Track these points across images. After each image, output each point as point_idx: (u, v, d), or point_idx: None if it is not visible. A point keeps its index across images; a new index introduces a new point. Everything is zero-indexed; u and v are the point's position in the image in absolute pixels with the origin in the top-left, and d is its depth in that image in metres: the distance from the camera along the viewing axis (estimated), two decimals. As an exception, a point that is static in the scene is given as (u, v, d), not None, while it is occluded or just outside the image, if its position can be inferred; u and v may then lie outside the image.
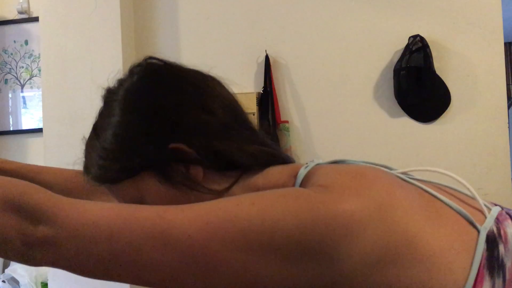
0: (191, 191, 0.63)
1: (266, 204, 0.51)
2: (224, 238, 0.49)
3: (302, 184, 0.61)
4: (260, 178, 0.65)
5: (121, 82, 0.68)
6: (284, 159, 0.68)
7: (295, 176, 0.62)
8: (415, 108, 1.91)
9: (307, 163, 0.64)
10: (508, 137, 1.87)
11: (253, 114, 1.95)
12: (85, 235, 0.50)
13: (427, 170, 0.65)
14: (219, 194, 0.64)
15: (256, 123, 1.94)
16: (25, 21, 2.46)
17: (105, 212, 0.51)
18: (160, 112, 0.64)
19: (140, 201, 0.65)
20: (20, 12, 2.45)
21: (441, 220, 0.55)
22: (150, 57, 0.69)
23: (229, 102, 0.68)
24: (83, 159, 0.69)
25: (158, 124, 0.63)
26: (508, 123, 1.89)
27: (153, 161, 0.63)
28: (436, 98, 1.90)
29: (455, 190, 0.63)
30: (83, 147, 0.70)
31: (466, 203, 0.60)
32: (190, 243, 0.49)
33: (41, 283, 2.02)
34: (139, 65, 0.69)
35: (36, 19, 2.36)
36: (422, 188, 0.59)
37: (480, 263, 0.53)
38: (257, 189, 0.64)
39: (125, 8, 1.98)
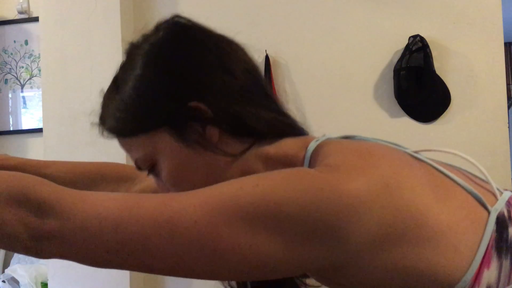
0: (204, 151, 0.63)
1: (270, 186, 0.51)
2: (229, 222, 0.49)
3: (312, 157, 0.61)
4: (273, 147, 0.65)
5: (146, 37, 0.69)
6: (299, 131, 0.68)
7: (306, 148, 0.63)
8: (415, 108, 1.91)
9: (318, 138, 0.64)
10: (508, 137, 1.87)
11: (253, 114, 1.95)
12: (91, 226, 0.50)
13: (441, 151, 0.65)
14: (232, 157, 0.64)
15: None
16: (25, 21, 2.46)
17: (111, 202, 0.52)
18: (182, 70, 0.64)
19: (152, 157, 0.65)
20: (20, 12, 2.45)
21: (450, 199, 0.55)
22: (177, 16, 0.70)
23: (251, 68, 0.68)
24: (100, 110, 0.70)
25: (179, 81, 0.63)
26: (508, 123, 1.89)
27: (171, 118, 0.63)
28: (436, 98, 1.90)
29: (468, 172, 0.64)
30: (101, 99, 0.70)
31: (478, 185, 0.60)
32: (197, 229, 0.50)
33: (41, 283, 2.02)
34: (165, 21, 0.69)
35: (36, 19, 2.36)
36: (433, 166, 0.59)
37: (488, 244, 0.53)
38: (268, 158, 0.64)
39: (125, 8, 1.98)
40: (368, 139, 0.67)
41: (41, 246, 0.50)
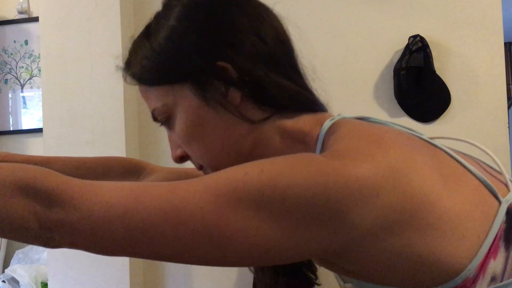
0: (224, 113, 0.64)
1: (275, 171, 0.51)
2: (236, 207, 0.50)
3: (326, 136, 0.62)
4: (290, 121, 0.66)
5: None
6: (319, 107, 0.69)
7: (321, 126, 0.64)
8: (415, 108, 1.91)
9: (333, 116, 0.65)
10: (508, 137, 1.86)
11: (253, 114, 1.95)
12: (99, 214, 0.50)
13: (456, 140, 0.66)
14: (250, 124, 0.65)
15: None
16: (25, 21, 2.46)
17: (118, 191, 0.52)
18: (216, 27, 0.64)
19: (170, 110, 0.66)
20: (20, 12, 2.45)
21: (461, 187, 0.55)
22: None
23: (284, 38, 0.70)
24: (127, 55, 0.70)
25: (211, 39, 0.64)
26: (508, 123, 1.89)
27: (196, 74, 0.63)
28: (436, 98, 1.90)
29: (482, 162, 0.64)
30: (130, 45, 0.71)
31: (491, 175, 0.60)
32: (203, 215, 0.50)
33: (41, 283, 2.02)
34: None
35: (36, 19, 2.36)
36: (447, 153, 0.59)
37: (497, 234, 0.53)
38: (285, 131, 0.65)
39: (125, 8, 1.98)
40: (382, 122, 0.67)
41: (52, 236, 0.51)
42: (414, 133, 0.62)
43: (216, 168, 0.68)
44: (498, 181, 0.59)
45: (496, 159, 0.61)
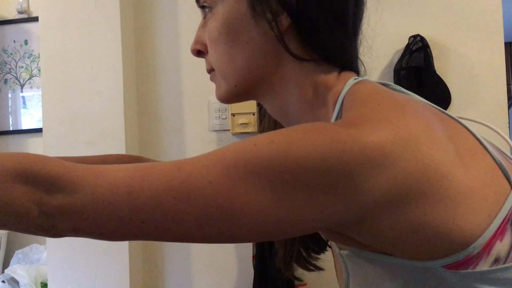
0: (265, 31, 0.62)
1: (286, 141, 0.49)
2: (246, 179, 0.48)
3: (346, 96, 0.60)
4: (322, 75, 0.63)
5: None
6: (349, 68, 0.67)
7: (344, 83, 0.62)
8: (415, 108, 1.91)
9: (357, 77, 0.63)
10: (508, 137, 1.86)
11: (253, 114, 1.95)
12: (103, 196, 0.49)
13: (478, 122, 0.65)
14: (287, 54, 0.62)
15: (256, 124, 1.94)
16: (24, 21, 2.46)
17: (121, 172, 0.50)
18: None
19: (215, 2, 0.64)
20: (20, 12, 2.44)
21: (477, 164, 0.54)
22: None
23: (361, 5, 0.69)
24: None
25: None
26: (509, 123, 1.89)
27: None
28: (436, 98, 1.90)
29: (500, 149, 0.63)
30: None
31: (507, 160, 0.59)
32: (212, 188, 0.48)
33: (41, 283, 2.02)
34: None
35: (35, 19, 2.36)
36: (467, 129, 0.58)
37: (505, 217, 0.52)
38: (316, 83, 0.63)
39: (125, 8, 1.98)
40: (403, 91, 0.66)
41: (53, 222, 0.49)
42: (435, 106, 0.61)
43: (226, 78, 0.67)
44: None
45: None
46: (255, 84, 0.66)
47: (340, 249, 0.62)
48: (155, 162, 0.55)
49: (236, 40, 0.64)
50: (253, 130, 1.92)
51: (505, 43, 1.92)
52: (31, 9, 2.47)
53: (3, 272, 2.13)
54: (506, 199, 0.53)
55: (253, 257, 1.84)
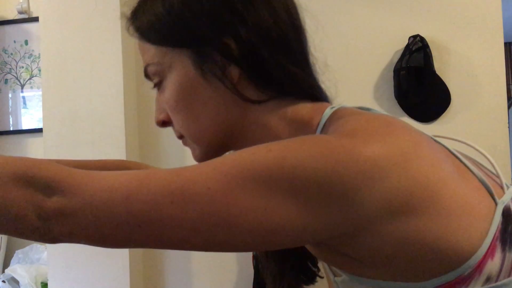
0: (218, 87, 0.62)
1: (283, 150, 0.50)
2: (244, 186, 0.48)
3: (326, 124, 0.60)
4: (291, 108, 0.64)
5: None
6: (323, 98, 0.67)
7: (322, 113, 0.62)
8: (415, 108, 1.91)
9: (334, 105, 0.63)
10: (508, 137, 1.87)
11: (253, 114, 1.95)
12: (101, 199, 0.49)
13: (454, 140, 0.65)
14: (246, 103, 0.63)
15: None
16: (25, 21, 2.46)
17: (120, 176, 0.50)
18: (231, 1, 0.63)
19: (164, 71, 0.64)
20: (20, 12, 2.45)
21: (465, 182, 0.55)
22: None
23: (297, 24, 0.68)
24: (136, 5, 0.68)
25: (223, 11, 0.62)
26: (508, 123, 1.89)
27: (200, 43, 0.62)
28: (436, 98, 1.90)
29: (479, 163, 0.63)
30: None
31: (488, 176, 0.60)
32: (210, 194, 0.48)
33: (41, 283, 2.02)
34: None
35: (36, 19, 2.36)
36: (449, 150, 0.59)
37: (495, 234, 0.52)
38: (284, 117, 0.63)
39: (126, 8, 1.98)
40: (384, 114, 0.66)
41: (50, 226, 0.49)
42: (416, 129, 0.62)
43: (197, 141, 0.68)
44: (494, 182, 0.59)
45: (493, 161, 0.61)
46: (227, 137, 0.67)
47: (334, 275, 0.62)
48: (155, 168, 0.55)
49: (195, 103, 0.64)
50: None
51: (505, 43, 1.92)
52: (32, 9, 2.47)
53: (3, 272, 2.13)
54: (493, 216, 0.53)
55: (253, 257, 1.84)
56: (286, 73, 0.63)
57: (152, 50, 0.65)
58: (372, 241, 0.51)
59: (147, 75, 0.68)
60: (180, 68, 0.63)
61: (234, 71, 0.62)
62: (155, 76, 0.66)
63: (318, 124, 0.61)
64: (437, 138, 0.61)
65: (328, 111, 0.61)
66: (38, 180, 0.49)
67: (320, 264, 0.79)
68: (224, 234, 0.50)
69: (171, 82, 0.64)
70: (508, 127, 1.88)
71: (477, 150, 0.63)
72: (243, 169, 0.49)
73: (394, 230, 0.50)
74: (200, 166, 0.51)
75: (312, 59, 0.69)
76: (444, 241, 0.50)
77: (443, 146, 0.59)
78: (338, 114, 0.60)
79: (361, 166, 0.48)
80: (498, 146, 1.84)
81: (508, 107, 2.23)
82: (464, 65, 1.89)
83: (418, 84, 1.87)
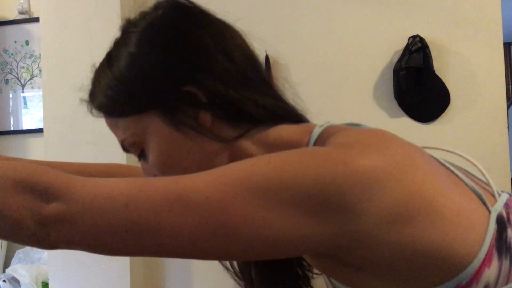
0: (196, 136, 0.62)
1: (283, 161, 0.50)
2: (242, 197, 0.49)
3: (316, 143, 0.60)
4: (272, 132, 0.63)
5: (144, 14, 0.67)
6: (299, 118, 0.67)
7: (310, 133, 0.62)
8: (414, 108, 1.92)
9: (322, 124, 0.63)
10: (507, 137, 1.87)
11: (253, 114, 1.95)
12: (100, 206, 0.49)
13: (444, 150, 0.65)
14: (225, 143, 0.63)
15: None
16: (25, 22, 2.46)
17: (119, 183, 0.50)
18: (179, 51, 0.62)
19: (141, 140, 0.63)
20: (21, 13, 2.45)
21: (459, 191, 0.55)
22: None
23: (250, 54, 0.67)
24: (90, 86, 0.68)
25: (175, 64, 0.62)
26: (508, 123, 1.89)
27: (163, 101, 0.62)
28: (436, 98, 1.90)
29: (469, 172, 0.64)
30: (92, 74, 0.68)
31: (479, 185, 0.60)
32: (209, 204, 0.49)
33: (42, 282, 2.02)
34: (166, 0, 0.67)
35: (36, 20, 2.36)
36: (440, 162, 0.59)
37: (490, 243, 0.53)
38: (269, 144, 0.63)
39: (126, 8, 1.99)
40: (375, 128, 0.66)
41: (48, 232, 0.49)
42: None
43: None
44: (485, 190, 0.59)
45: (482, 169, 0.61)
46: None
47: (333, 287, 0.62)
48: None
49: (180, 158, 0.64)
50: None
51: (504, 44, 1.92)
52: (32, 9, 2.47)
53: (4, 271, 2.14)
54: (488, 224, 0.54)
55: (253, 256, 1.84)
56: (255, 105, 0.63)
57: (121, 123, 0.64)
58: (371, 251, 0.52)
59: (126, 150, 0.67)
60: (154, 131, 0.63)
61: (205, 117, 0.62)
62: (134, 148, 0.65)
63: (308, 143, 0.61)
64: (427, 150, 0.62)
65: (317, 130, 0.61)
66: (37, 186, 0.49)
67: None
68: (222, 244, 0.50)
69: (151, 148, 0.64)
70: (508, 127, 1.88)
71: (466, 159, 0.63)
72: (242, 180, 0.49)
73: (392, 241, 0.51)
74: (199, 175, 0.51)
75: (272, 83, 0.69)
76: (442, 250, 0.51)
77: (433, 157, 0.60)
78: (329, 132, 0.60)
79: (359, 178, 0.48)
80: (498, 146, 1.84)
81: (508, 107, 2.23)
82: (463, 65, 1.89)
83: (418, 84, 1.88)
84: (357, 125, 0.65)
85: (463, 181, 0.58)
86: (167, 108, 0.62)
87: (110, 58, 0.67)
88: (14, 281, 2.03)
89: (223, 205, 0.49)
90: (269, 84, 0.68)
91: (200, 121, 0.62)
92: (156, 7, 0.66)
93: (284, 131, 0.64)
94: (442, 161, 0.60)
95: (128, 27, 0.68)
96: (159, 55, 0.63)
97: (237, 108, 0.62)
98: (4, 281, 2.03)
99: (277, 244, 0.50)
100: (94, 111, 0.67)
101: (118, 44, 0.67)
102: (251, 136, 0.64)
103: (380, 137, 0.55)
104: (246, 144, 0.64)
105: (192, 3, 0.67)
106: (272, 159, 0.51)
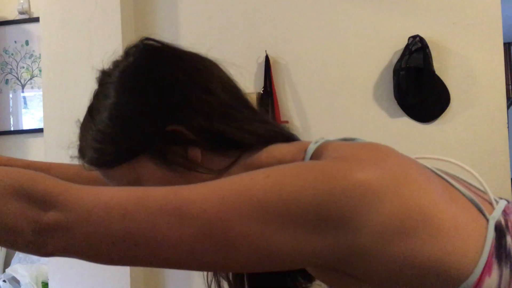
0: (189, 172, 0.62)
1: (281, 175, 0.50)
2: (240, 211, 0.49)
3: (312, 159, 0.60)
4: (264, 154, 0.64)
5: (116, 63, 0.67)
6: (288, 137, 0.67)
7: (305, 151, 0.61)
8: (414, 108, 1.92)
9: (316, 140, 0.63)
10: (507, 137, 1.87)
11: (253, 114, 1.95)
12: (98, 216, 0.48)
13: (439, 159, 0.65)
14: (219, 173, 0.63)
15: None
16: (25, 22, 2.46)
17: (117, 193, 0.50)
18: (157, 93, 0.62)
19: (138, 185, 0.63)
20: (21, 13, 2.45)
21: (454, 202, 0.55)
22: (147, 38, 0.68)
23: (228, 83, 0.67)
24: (78, 142, 0.68)
25: (154, 107, 0.62)
26: (508, 123, 1.89)
27: (150, 145, 0.62)
28: (436, 98, 1.91)
29: (464, 180, 0.64)
30: (78, 130, 0.68)
31: (475, 193, 0.60)
32: (207, 217, 0.49)
33: (42, 282, 2.02)
34: (135, 46, 0.67)
35: (36, 20, 2.36)
36: (434, 172, 0.59)
37: (490, 251, 0.53)
38: (261, 165, 0.62)
39: (126, 8, 1.99)
40: (369, 142, 0.66)
41: (44, 240, 0.49)
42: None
43: None
44: (482, 199, 0.59)
45: (479, 178, 0.61)
46: None
47: None
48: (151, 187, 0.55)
49: None
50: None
51: (504, 44, 1.93)
52: (32, 9, 2.47)
53: (4, 271, 2.14)
54: (486, 233, 0.54)
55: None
56: (242, 132, 0.63)
57: (114, 173, 0.65)
58: (370, 264, 0.52)
59: None
60: (148, 174, 0.63)
61: (194, 152, 0.62)
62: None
63: (303, 160, 0.61)
64: (420, 160, 0.62)
65: (312, 147, 0.61)
66: (35, 194, 0.49)
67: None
68: (219, 257, 0.50)
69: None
70: (508, 127, 1.88)
71: (463, 168, 0.63)
72: (241, 194, 0.49)
73: (390, 254, 0.51)
74: (198, 187, 0.51)
75: (255, 107, 0.68)
76: (441, 263, 0.51)
77: (427, 167, 0.60)
78: (324, 148, 0.59)
79: (357, 192, 0.49)
80: (498, 146, 1.85)
81: (508, 107, 2.23)
82: (463, 65, 1.89)
83: (418, 84, 1.88)
84: (352, 139, 0.66)
85: (459, 190, 0.58)
86: (156, 150, 0.62)
87: (92, 112, 0.67)
88: (14, 281, 2.03)
89: (220, 218, 0.49)
90: (252, 108, 0.68)
91: (190, 157, 0.62)
92: (126, 54, 0.67)
93: (276, 151, 0.64)
94: (437, 171, 0.60)
95: (103, 78, 0.68)
96: (138, 101, 0.63)
97: (225, 139, 0.63)
98: (4, 281, 2.03)
99: (275, 258, 0.50)
100: (86, 166, 0.67)
101: (98, 96, 0.68)
102: (243, 161, 0.64)
103: (376, 151, 0.55)
104: (239, 168, 0.64)
105: (160, 42, 0.68)
106: (270, 172, 0.51)
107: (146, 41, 0.68)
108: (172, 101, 0.62)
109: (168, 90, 0.63)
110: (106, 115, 0.64)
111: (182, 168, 0.62)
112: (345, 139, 0.65)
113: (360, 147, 0.56)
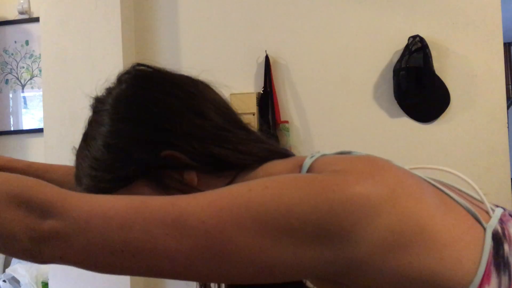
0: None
1: (280, 187, 0.50)
2: (239, 223, 0.49)
3: (309, 172, 0.60)
4: (260, 172, 0.64)
5: (109, 90, 0.68)
6: (283, 154, 0.67)
7: (300, 166, 0.61)
8: (414, 108, 1.92)
9: (312, 154, 0.63)
10: (507, 137, 1.87)
11: (253, 114, 1.95)
12: (96, 226, 0.49)
13: (435, 169, 0.65)
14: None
15: (256, 124, 1.94)
16: (25, 22, 2.47)
17: (116, 202, 0.50)
18: (150, 119, 0.63)
19: None
20: (21, 13, 2.45)
21: (451, 213, 0.55)
22: (138, 64, 0.69)
23: (221, 105, 0.67)
24: (75, 169, 0.68)
25: (149, 132, 0.63)
26: (508, 123, 1.90)
27: (146, 170, 0.62)
28: (436, 98, 1.91)
29: (459, 189, 0.64)
30: (74, 157, 0.69)
31: (471, 202, 0.60)
32: (205, 229, 0.49)
33: (42, 282, 2.02)
34: (127, 72, 0.68)
35: (36, 20, 2.36)
36: (430, 183, 0.59)
37: (488, 260, 0.53)
38: None
39: (126, 8, 1.99)
40: (364, 154, 0.67)
41: (41, 248, 0.49)
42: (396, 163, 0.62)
43: None
44: (478, 207, 0.59)
45: (475, 186, 0.61)
46: None
47: None
48: (151, 196, 0.55)
49: None
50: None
51: (504, 44, 1.93)
52: (32, 9, 2.48)
53: (4, 271, 2.14)
54: (483, 242, 0.54)
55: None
56: (236, 153, 0.64)
57: None
58: (369, 277, 0.52)
59: None
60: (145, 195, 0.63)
61: (190, 175, 0.62)
62: None
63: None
64: (415, 170, 0.62)
65: (308, 161, 0.61)
66: (33, 202, 0.49)
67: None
68: (217, 268, 0.50)
69: None
70: (508, 127, 1.88)
71: (460, 177, 0.63)
72: (239, 205, 0.49)
73: (389, 267, 0.51)
74: (196, 197, 0.51)
75: (248, 126, 0.68)
76: (440, 275, 0.51)
77: (422, 178, 0.60)
78: (320, 162, 0.60)
79: (356, 205, 0.49)
80: (498, 146, 1.85)
81: (508, 107, 2.23)
82: (463, 65, 1.89)
83: (418, 84, 1.88)
84: (348, 152, 0.66)
85: (455, 200, 0.58)
86: (152, 176, 0.62)
87: (86, 139, 0.67)
88: (14, 281, 2.03)
89: (219, 230, 0.49)
90: (247, 128, 0.68)
91: (186, 181, 0.62)
92: (119, 81, 0.68)
93: (272, 168, 0.64)
94: (432, 182, 0.60)
95: (97, 105, 0.68)
96: (132, 128, 0.63)
97: (219, 161, 0.63)
98: (4, 281, 2.04)
99: (273, 270, 0.50)
100: (84, 193, 0.67)
101: (92, 124, 0.68)
102: (240, 178, 0.64)
103: (373, 164, 0.55)
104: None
105: (151, 67, 0.68)
106: (269, 184, 0.51)
107: (137, 67, 0.68)
108: (166, 126, 0.63)
109: (161, 116, 0.63)
110: (100, 142, 0.64)
111: (179, 192, 0.62)
112: (341, 153, 0.65)
113: (356, 160, 0.57)
